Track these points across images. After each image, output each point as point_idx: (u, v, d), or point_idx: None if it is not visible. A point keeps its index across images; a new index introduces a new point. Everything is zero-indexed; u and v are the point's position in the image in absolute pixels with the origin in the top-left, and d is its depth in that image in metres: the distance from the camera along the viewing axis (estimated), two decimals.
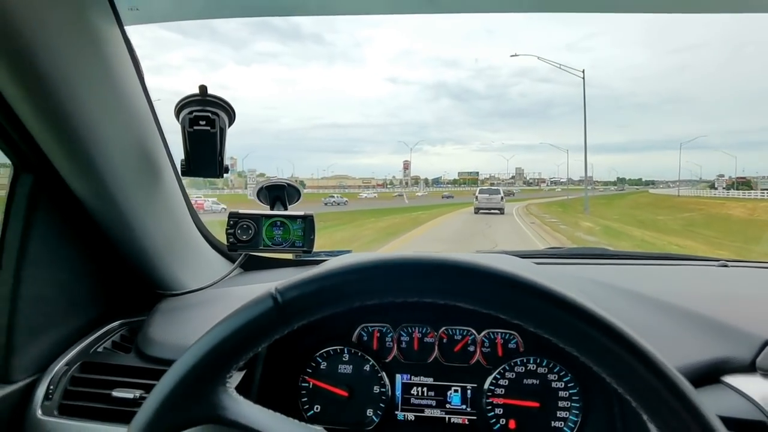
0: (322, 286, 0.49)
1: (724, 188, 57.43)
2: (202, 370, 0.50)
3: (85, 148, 0.84)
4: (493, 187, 27.29)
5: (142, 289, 1.16)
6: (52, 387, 0.94)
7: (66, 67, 0.74)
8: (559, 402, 0.96)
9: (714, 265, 1.32)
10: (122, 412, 0.91)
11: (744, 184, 65.04)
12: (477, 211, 21.70)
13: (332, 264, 0.50)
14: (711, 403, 0.79)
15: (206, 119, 0.94)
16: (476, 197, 22.86)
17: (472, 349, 1.01)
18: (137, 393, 0.91)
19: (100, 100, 0.83)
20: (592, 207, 25.77)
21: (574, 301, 0.47)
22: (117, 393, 0.92)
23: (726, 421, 0.75)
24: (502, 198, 22.50)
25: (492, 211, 21.53)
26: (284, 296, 0.49)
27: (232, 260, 1.32)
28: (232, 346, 0.50)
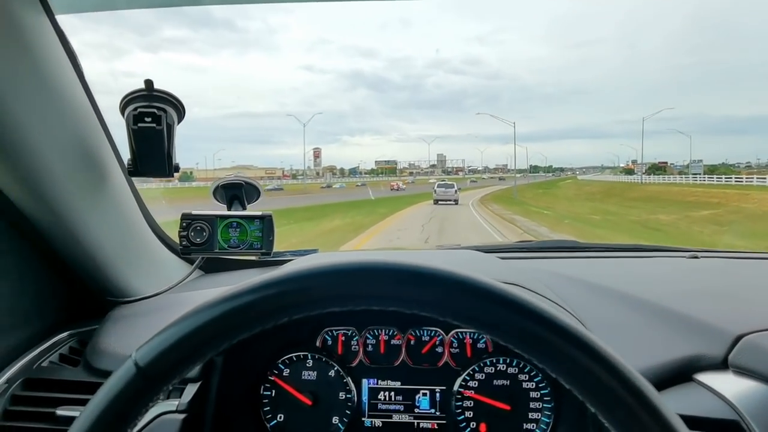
0: (181, 336, 0.44)
1: (644, 173, 59.31)
2: None
3: (16, 150, 0.78)
4: (448, 183, 30.12)
5: (92, 297, 1.09)
6: None
7: None
8: (531, 403, 0.94)
9: (684, 256, 1.31)
10: None
11: (660, 169, 68.38)
12: (436, 201, 23.89)
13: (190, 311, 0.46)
14: (683, 402, 0.78)
15: (152, 116, 0.88)
16: (435, 191, 25.87)
17: (440, 350, 0.97)
18: None
19: (30, 96, 0.77)
20: (536, 200, 23.61)
21: (514, 298, 0.43)
22: (61, 411, 0.85)
23: (699, 420, 0.73)
24: (455, 191, 25.54)
25: (448, 202, 23.80)
26: (144, 359, 0.44)
27: (191, 262, 1.26)
28: (103, 428, 0.44)
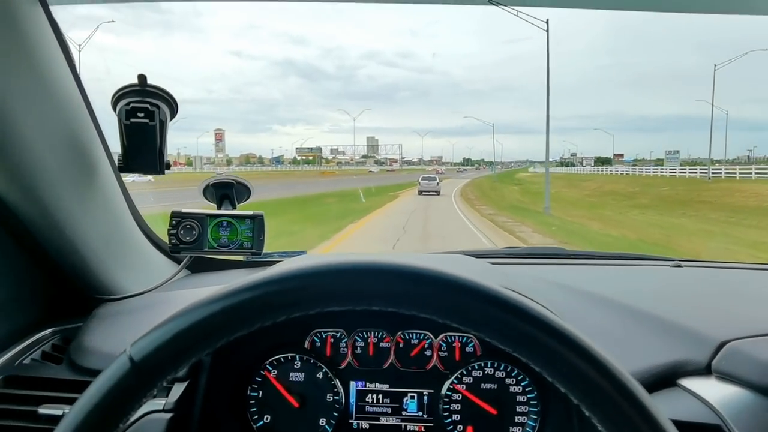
0: (178, 331, 0.44)
1: (592, 166, 61.89)
2: None
3: (4, 141, 0.76)
4: (431, 175, 32.61)
5: (77, 294, 1.07)
6: None
7: None
8: (517, 407, 0.94)
9: (668, 265, 1.34)
10: (49, 431, 0.83)
11: (604, 162, 69.85)
12: (420, 192, 25.85)
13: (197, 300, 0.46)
14: (667, 407, 0.79)
15: (145, 111, 0.87)
16: (419, 182, 27.71)
17: (428, 353, 0.98)
18: (67, 409, 0.84)
19: (21, 88, 0.76)
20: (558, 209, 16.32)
21: (515, 302, 0.44)
22: (43, 410, 0.84)
23: (683, 425, 0.75)
24: (437, 183, 27.52)
25: (431, 192, 25.60)
26: (140, 354, 0.44)
27: (178, 261, 1.25)
28: (95, 423, 0.44)
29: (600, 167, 58.00)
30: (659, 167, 40.96)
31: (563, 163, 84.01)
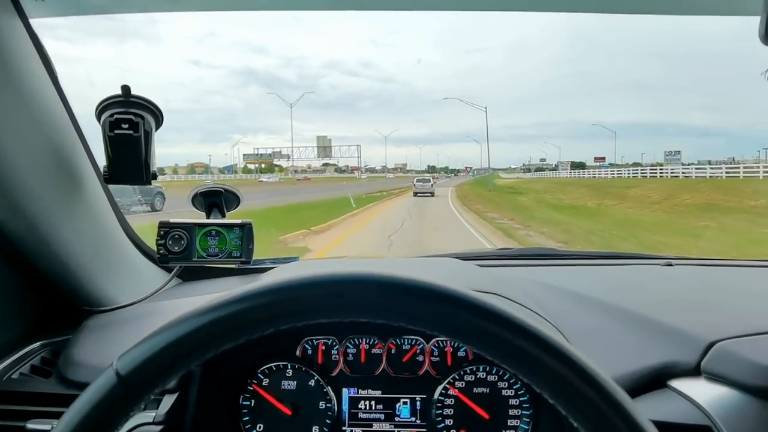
0: (165, 345, 0.44)
1: (568, 170, 61.89)
2: None
3: None
4: (425, 177, 34.68)
5: (65, 306, 1.06)
6: None
7: None
8: (510, 410, 0.94)
9: (659, 264, 1.34)
10: None
11: (579, 166, 71.07)
12: (415, 194, 26.68)
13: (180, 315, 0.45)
14: (657, 408, 0.79)
15: (129, 122, 0.87)
16: (414, 184, 28.62)
17: (420, 358, 0.98)
18: (55, 423, 0.83)
19: (2, 101, 0.75)
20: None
21: (486, 306, 0.44)
22: (32, 425, 0.83)
23: (672, 426, 0.75)
24: (432, 185, 28.69)
25: (426, 194, 26.51)
26: (126, 368, 0.44)
27: (169, 270, 1.24)
28: None
29: (577, 171, 57.70)
30: (655, 168, 37.41)
31: (539, 169, 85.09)
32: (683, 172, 30.25)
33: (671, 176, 30.29)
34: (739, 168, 26.48)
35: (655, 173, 33.18)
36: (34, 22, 0.77)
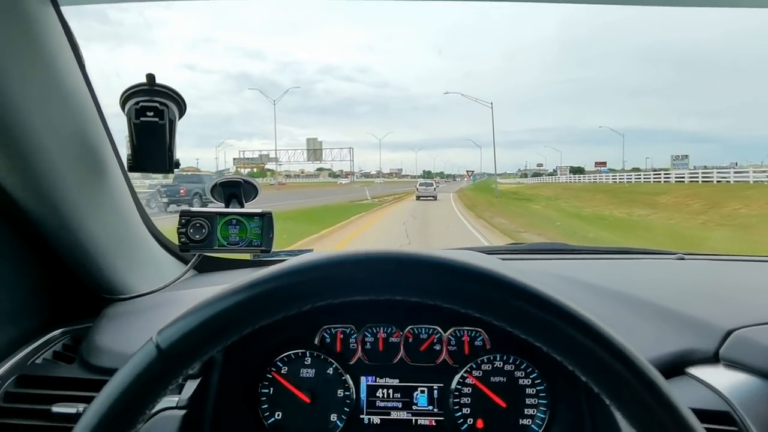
0: (204, 319, 0.45)
1: (568, 175, 60.47)
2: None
3: (17, 142, 0.77)
4: (428, 181, 34.05)
5: (87, 294, 1.08)
6: None
7: None
8: (527, 399, 0.95)
9: (671, 258, 1.35)
10: (64, 429, 0.83)
11: (578, 171, 69.97)
12: (418, 198, 26.72)
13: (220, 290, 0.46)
14: (677, 394, 0.80)
15: (154, 110, 0.88)
16: (417, 188, 28.73)
17: (438, 348, 0.98)
18: (81, 407, 0.84)
19: (34, 88, 0.76)
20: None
21: (539, 293, 0.45)
22: (57, 408, 0.84)
23: (692, 411, 0.76)
24: (434, 188, 28.94)
25: (428, 198, 26.64)
26: (166, 341, 0.45)
27: (185, 261, 1.25)
28: (120, 410, 0.44)
29: (575, 176, 56.97)
30: (659, 172, 35.49)
31: (536, 174, 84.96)
32: (690, 177, 28.61)
33: (676, 181, 28.93)
34: (748, 172, 24.43)
35: (660, 178, 31.68)
36: (65, 10, 0.79)
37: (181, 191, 15.77)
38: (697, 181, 26.10)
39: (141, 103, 0.88)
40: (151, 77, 0.89)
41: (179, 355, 0.45)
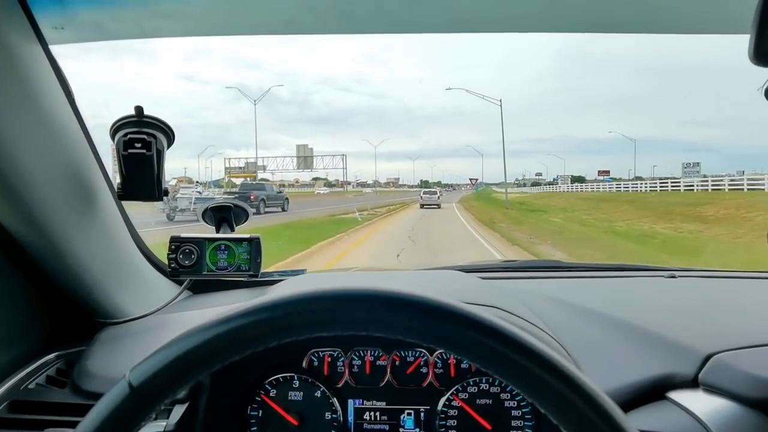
0: (175, 356, 0.47)
1: (569, 184, 61.06)
2: None
3: (7, 173, 0.79)
4: (432, 190, 34.70)
5: (80, 318, 1.10)
6: None
7: None
8: (512, 421, 0.96)
9: (663, 276, 1.35)
10: None
11: (578, 180, 70.93)
12: (422, 206, 27.65)
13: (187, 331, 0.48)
14: (656, 420, 0.80)
15: (142, 142, 0.90)
16: (421, 196, 29.76)
17: (424, 370, 0.99)
18: None
19: (22, 123, 0.79)
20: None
21: (481, 320, 0.46)
22: None
23: None
24: (438, 197, 30.24)
25: (432, 206, 27.63)
26: (138, 379, 0.46)
27: (180, 283, 1.27)
28: None
29: (576, 185, 56.82)
30: (666, 181, 33.60)
31: (535, 183, 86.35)
32: (700, 185, 27.45)
33: (685, 189, 27.97)
34: (764, 179, 22.25)
35: (666, 186, 30.87)
36: (54, 49, 0.81)
37: (251, 197, 17.92)
38: (723, 189, 24.00)
39: (129, 135, 0.90)
40: (139, 109, 0.91)
41: (151, 392, 0.47)
